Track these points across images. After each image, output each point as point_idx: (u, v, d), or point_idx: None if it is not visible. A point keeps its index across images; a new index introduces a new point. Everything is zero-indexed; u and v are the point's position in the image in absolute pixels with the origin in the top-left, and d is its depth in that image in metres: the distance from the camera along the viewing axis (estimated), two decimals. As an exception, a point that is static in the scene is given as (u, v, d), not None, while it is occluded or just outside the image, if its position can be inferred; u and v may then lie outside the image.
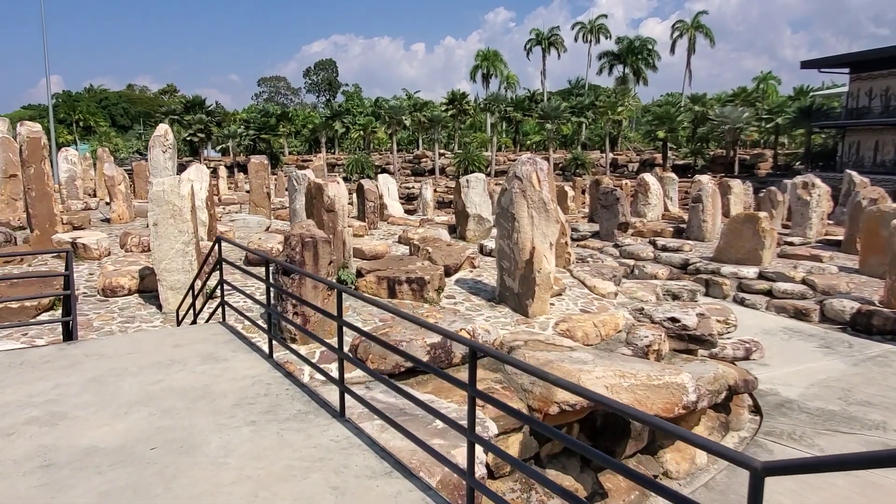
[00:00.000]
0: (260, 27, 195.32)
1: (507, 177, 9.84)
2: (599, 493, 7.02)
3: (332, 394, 4.89)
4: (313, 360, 7.37)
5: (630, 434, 7.34)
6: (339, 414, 4.45)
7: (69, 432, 4.13)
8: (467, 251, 11.61)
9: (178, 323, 7.87)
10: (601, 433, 7.38)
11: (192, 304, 7.35)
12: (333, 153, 55.01)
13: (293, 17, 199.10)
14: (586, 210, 26.38)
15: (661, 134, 42.09)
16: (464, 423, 3.40)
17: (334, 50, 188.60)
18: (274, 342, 5.85)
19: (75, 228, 14.27)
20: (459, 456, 4.67)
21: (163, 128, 13.93)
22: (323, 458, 3.83)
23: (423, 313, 8.59)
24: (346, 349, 7.65)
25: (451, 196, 42.00)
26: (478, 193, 14.95)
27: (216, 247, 6.60)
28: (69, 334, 5.41)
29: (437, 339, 7.72)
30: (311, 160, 53.82)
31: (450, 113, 51.04)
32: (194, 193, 9.47)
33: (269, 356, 5.70)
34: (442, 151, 50.55)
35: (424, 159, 50.95)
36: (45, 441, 3.99)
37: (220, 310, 7.04)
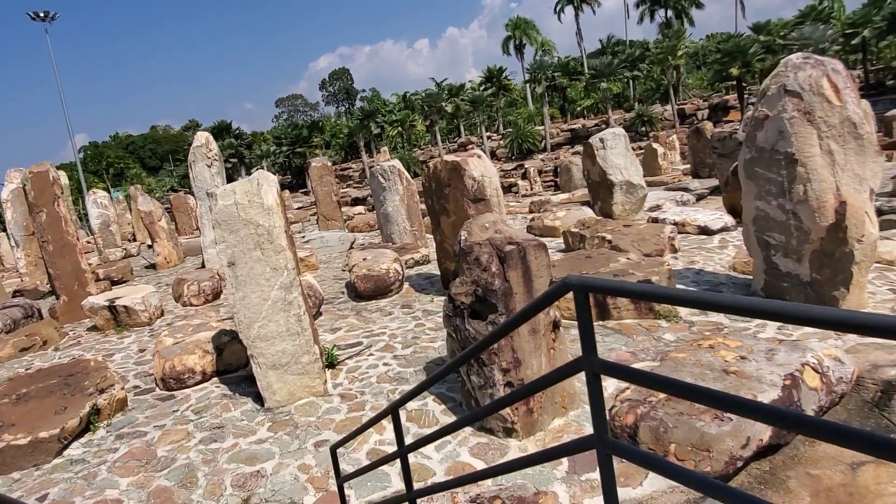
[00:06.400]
0: (266, 52, 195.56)
1: (760, 101, 6.10)
2: None
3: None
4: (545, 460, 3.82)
5: None
6: None
7: None
8: (664, 230, 7.93)
9: (334, 457, 3.47)
10: None
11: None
12: (371, 157, 51.69)
13: (297, 36, 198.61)
14: (685, 167, 22.49)
15: (734, 72, 37.14)
16: None
17: (341, 61, 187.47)
18: None
19: (114, 283, 11.09)
20: None
21: (203, 136, 10.59)
22: None
23: (682, 339, 4.67)
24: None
25: (511, 179, 38.25)
26: (619, 154, 11.18)
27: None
28: None
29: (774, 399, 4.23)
30: (352, 167, 50.70)
31: (489, 92, 47.04)
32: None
33: None
34: (487, 134, 46.66)
35: (470, 146, 47.13)
36: None
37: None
